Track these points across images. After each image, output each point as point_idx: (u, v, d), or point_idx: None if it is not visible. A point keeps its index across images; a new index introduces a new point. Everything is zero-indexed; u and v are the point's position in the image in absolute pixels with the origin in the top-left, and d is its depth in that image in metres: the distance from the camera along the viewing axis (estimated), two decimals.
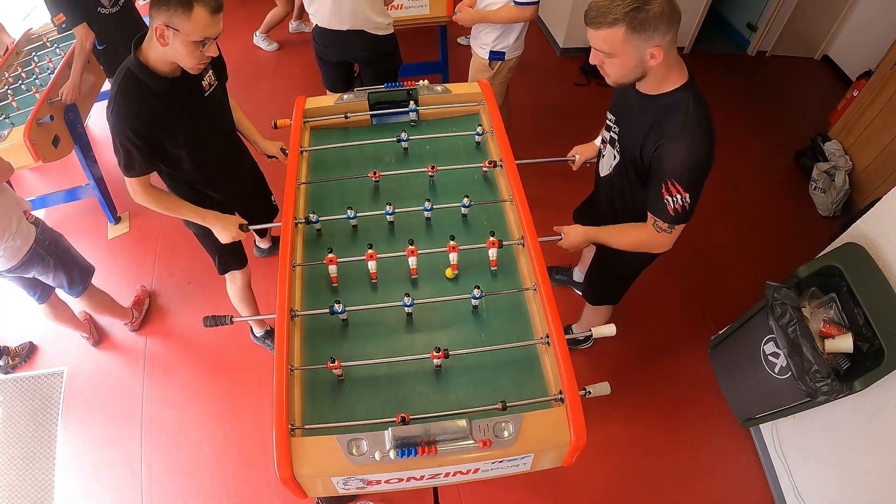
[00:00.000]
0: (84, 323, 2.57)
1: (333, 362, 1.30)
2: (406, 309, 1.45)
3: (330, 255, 1.51)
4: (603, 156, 1.78)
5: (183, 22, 1.40)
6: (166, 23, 1.40)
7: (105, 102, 1.63)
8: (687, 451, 2.28)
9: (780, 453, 2.13)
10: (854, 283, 1.67)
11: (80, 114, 2.78)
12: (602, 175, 1.80)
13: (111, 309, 2.50)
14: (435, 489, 1.93)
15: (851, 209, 3.13)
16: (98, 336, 2.64)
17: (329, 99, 2.00)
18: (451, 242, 1.52)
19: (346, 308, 1.43)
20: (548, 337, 1.36)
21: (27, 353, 2.60)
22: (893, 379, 1.58)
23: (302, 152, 1.85)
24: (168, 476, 2.24)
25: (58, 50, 2.99)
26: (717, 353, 2.26)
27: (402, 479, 1.30)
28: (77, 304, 2.43)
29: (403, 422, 1.22)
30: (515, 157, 1.75)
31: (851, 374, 1.65)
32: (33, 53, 3.03)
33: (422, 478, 1.31)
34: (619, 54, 1.31)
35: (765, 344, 1.87)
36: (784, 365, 1.77)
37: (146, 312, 2.73)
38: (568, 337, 1.36)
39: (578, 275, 2.72)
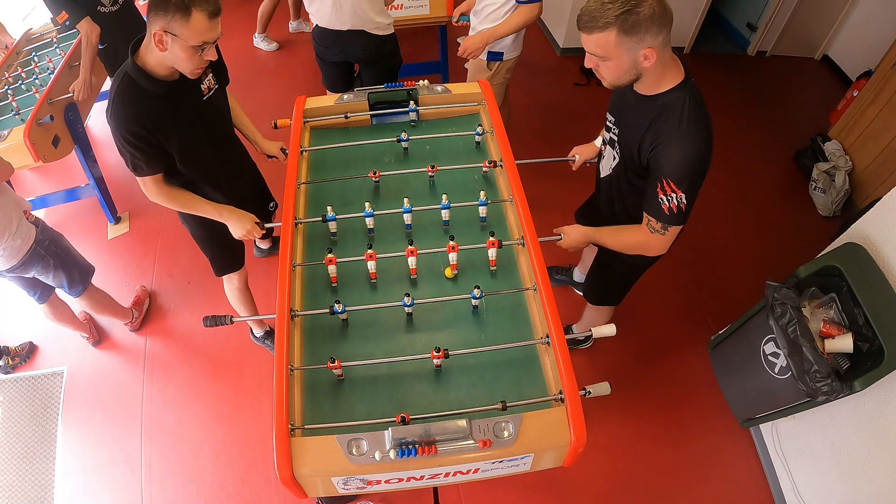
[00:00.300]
0: (84, 323, 2.57)
1: (333, 362, 1.30)
2: (406, 309, 1.45)
3: (329, 256, 1.51)
4: (603, 157, 1.78)
5: (181, 27, 1.39)
6: (164, 28, 1.40)
7: (105, 102, 1.63)
8: (687, 451, 2.28)
9: (780, 453, 2.13)
10: (854, 283, 1.67)
11: (80, 114, 2.78)
12: (602, 176, 1.81)
13: (111, 309, 2.50)
14: (435, 489, 1.93)
15: (851, 209, 3.13)
16: (98, 336, 2.64)
17: (329, 99, 2.00)
18: (451, 243, 1.51)
19: (346, 308, 1.43)
20: (548, 337, 1.36)
21: (27, 353, 2.60)
22: (893, 379, 1.58)
23: (302, 152, 1.85)
24: (168, 476, 2.24)
25: (58, 50, 2.99)
26: (717, 353, 2.26)
27: (402, 479, 1.30)
28: (77, 304, 2.43)
29: (403, 422, 1.22)
30: (515, 157, 1.75)
31: (851, 374, 1.65)
32: (33, 53, 3.03)
33: (422, 478, 1.31)
34: (612, 57, 1.33)
35: (765, 344, 1.87)
36: (784, 365, 1.77)
37: (146, 312, 2.73)
38: (568, 337, 1.36)
39: (578, 275, 2.72)
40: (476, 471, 1.31)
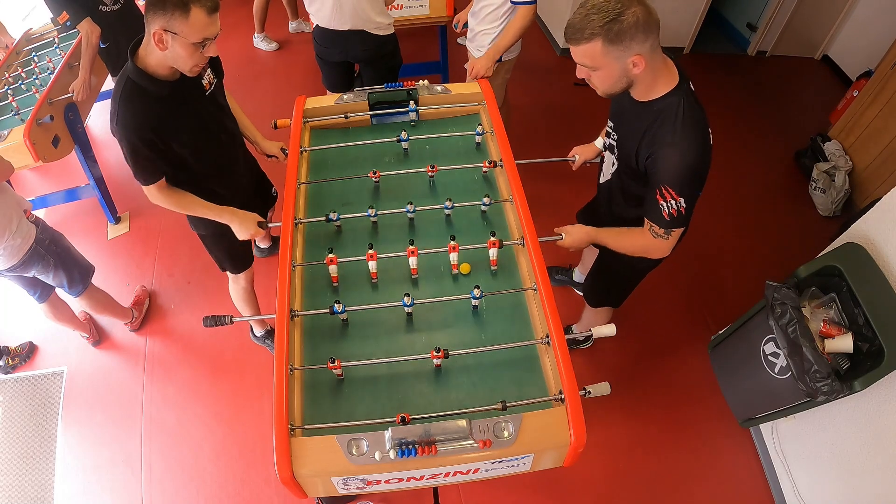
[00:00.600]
0: (84, 323, 2.57)
1: (333, 362, 1.31)
2: (406, 309, 1.45)
3: (330, 256, 1.51)
4: (603, 161, 1.78)
5: (181, 25, 1.39)
6: (164, 27, 1.39)
7: (105, 102, 1.63)
8: (687, 451, 2.28)
9: (780, 453, 2.13)
10: (854, 283, 1.67)
11: (80, 114, 2.78)
12: (602, 181, 1.81)
13: (111, 309, 2.50)
14: (435, 489, 1.93)
15: (851, 209, 3.13)
16: (98, 336, 2.64)
17: (329, 99, 2.00)
18: (452, 243, 1.51)
19: (346, 308, 1.43)
20: (548, 337, 1.36)
21: (27, 353, 2.60)
22: (893, 379, 1.58)
23: (302, 152, 1.85)
24: (168, 476, 2.24)
25: (58, 50, 2.99)
26: (717, 353, 2.25)
27: (402, 479, 1.30)
28: (77, 304, 2.43)
29: (403, 422, 1.22)
30: (515, 157, 1.75)
31: (851, 374, 1.65)
32: (33, 53, 3.03)
33: (422, 478, 1.31)
34: (601, 67, 1.34)
35: (765, 344, 1.87)
36: (784, 365, 1.77)
37: (146, 312, 2.73)
38: (568, 337, 1.36)
39: (578, 275, 2.72)
40: (476, 471, 1.31)
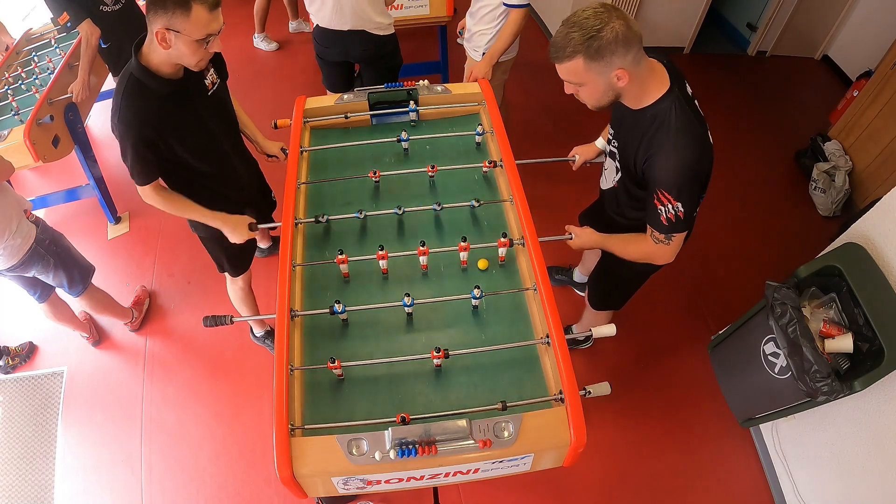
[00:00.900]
0: (84, 323, 2.57)
1: (333, 362, 1.30)
2: (406, 309, 1.45)
3: (341, 256, 1.50)
4: (605, 168, 1.80)
5: (183, 22, 1.39)
6: (166, 26, 1.39)
7: (105, 102, 1.62)
8: (687, 451, 2.28)
9: (780, 453, 2.13)
10: (854, 283, 1.67)
11: (80, 114, 2.78)
12: (605, 188, 1.82)
13: (111, 309, 2.50)
14: (435, 489, 1.93)
15: (851, 209, 3.13)
16: (98, 336, 2.64)
17: (329, 99, 2.00)
18: (463, 243, 1.51)
19: (347, 308, 1.43)
20: (548, 337, 1.36)
21: (27, 353, 2.60)
22: (893, 379, 1.58)
23: (302, 152, 1.85)
24: (168, 476, 2.24)
25: (58, 50, 2.99)
26: (717, 353, 2.25)
27: (402, 479, 1.30)
28: (77, 304, 2.43)
29: (403, 422, 1.22)
30: (515, 157, 1.75)
31: (851, 374, 1.65)
32: (33, 53, 3.03)
33: (422, 478, 1.31)
34: (586, 82, 1.35)
35: (765, 344, 1.86)
36: (784, 365, 1.77)
37: (146, 312, 2.73)
38: (568, 337, 1.36)
39: (578, 275, 2.72)
40: (476, 471, 1.31)
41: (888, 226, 1.71)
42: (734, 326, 2.12)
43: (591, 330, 1.47)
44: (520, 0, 2.25)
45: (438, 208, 1.65)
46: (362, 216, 1.65)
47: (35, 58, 2.98)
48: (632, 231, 1.65)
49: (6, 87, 2.78)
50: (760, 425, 2.23)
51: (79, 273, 2.24)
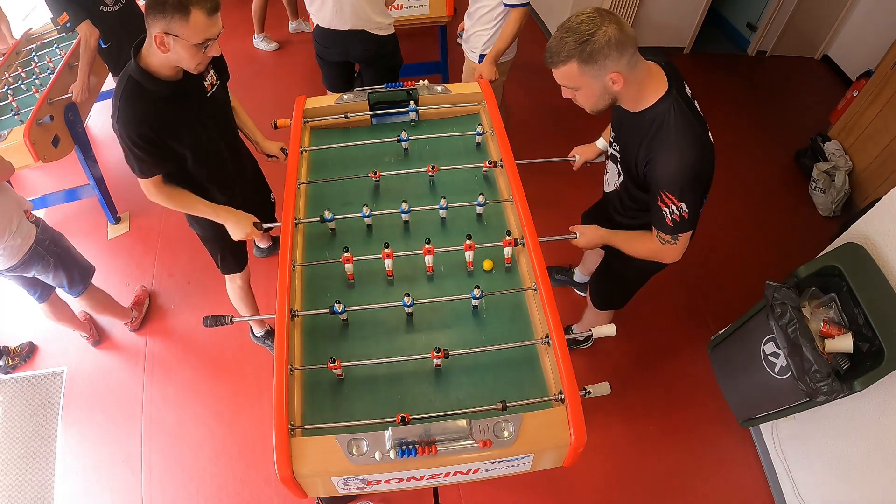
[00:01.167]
0: (84, 323, 2.57)
1: (333, 362, 1.30)
2: (406, 309, 1.45)
3: (346, 255, 1.50)
4: (608, 171, 1.80)
5: (182, 27, 1.39)
6: (165, 30, 1.39)
7: (105, 102, 1.63)
8: (687, 451, 2.28)
9: (780, 453, 2.13)
10: (854, 283, 1.67)
11: (80, 114, 2.78)
12: (608, 190, 1.82)
13: (111, 309, 2.50)
14: (435, 489, 1.93)
15: (851, 209, 3.13)
16: (98, 336, 2.64)
17: (329, 99, 2.00)
18: (468, 242, 1.51)
19: (347, 308, 1.43)
20: (548, 337, 1.36)
21: (27, 353, 2.60)
22: (893, 379, 1.58)
23: (302, 152, 1.85)
24: (168, 476, 2.24)
25: (58, 50, 2.99)
26: (717, 353, 2.25)
27: (402, 479, 1.30)
28: (77, 304, 2.43)
29: (403, 422, 1.22)
30: (515, 157, 1.75)
31: (851, 374, 1.65)
32: (33, 53, 3.03)
33: (422, 478, 1.31)
34: (581, 87, 1.37)
35: (765, 344, 1.86)
36: (784, 365, 1.77)
37: (146, 312, 2.73)
38: (568, 337, 1.36)
39: (579, 275, 2.72)
40: (476, 471, 1.31)
41: (888, 226, 1.71)
42: (734, 326, 2.12)
43: (591, 330, 1.47)
44: (519, 0, 2.26)
45: (444, 207, 1.64)
46: (368, 214, 1.64)
47: (35, 58, 2.98)
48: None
49: (6, 87, 2.78)
50: (760, 425, 2.23)
51: (79, 273, 2.24)
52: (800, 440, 2.04)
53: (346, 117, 1.97)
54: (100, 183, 2.96)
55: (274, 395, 1.26)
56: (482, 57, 2.52)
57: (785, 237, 3.07)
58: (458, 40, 4.26)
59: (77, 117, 2.74)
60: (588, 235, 1.71)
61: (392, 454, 1.17)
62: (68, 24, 2.55)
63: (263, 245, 2.91)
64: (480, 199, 1.65)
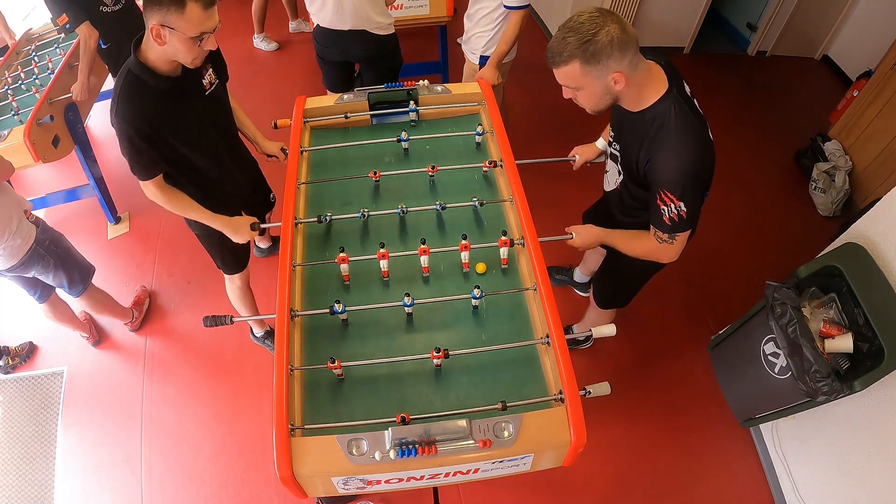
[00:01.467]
0: (84, 323, 2.57)
1: (333, 362, 1.30)
2: (406, 309, 1.45)
3: (342, 255, 1.51)
4: (608, 171, 1.80)
5: (178, 20, 1.39)
6: (161, 22, 1.40)
7: (105, 102, 1.63)
8: (687, 451, 2.28)
9: (780, 453, 2.13)
10: (854, 283, 1.67)
11: (80, 114, 2.78)
12: (609, 190, 1.82)
13: (111, 309, 2.50)
14: (435, 489, 1.93)
15: (851, 209, 3.13)
16: (98, 336, 2.64)
17: (329, 99, 2.00)
18: (464, 242, 1.51)
19: (347, 308, 1.43)
20: (548, 337, 1.36)
21: (27, 353, 2.60)
22: (893, 379, 1.58)
23: (302, 152, 1.85)
24: (168, 476, 2.24)
25: (58, 50, 2.99)
26: (717, 353, 2.25)
27: (402, 479, 1.30)
28: (77, 304, 2.43)
29: (403, 422, 1.22)
30: (515, 157, 1.75)
31: (851, 374, 1.65)
32: (33, 53, 3.03)
33: (422, 478, 1.31)
34: (583, 87, 1.36)
35: (765, 344, 1.86)
36: (784, 365, 1.77)
37: (146, 312, 2.73)
38: (568, 337, 1.36)
39: (579, 275, 2.72)
40: (476, 471, 1.31)
41: (888, 226, 1.71)
42: (734, 326, 2.12)
43: (591, 330, 1.47)
44: (519, 2, 2.25)
45: (441, 208, 1.65)
46: (365, 216, 1.65)
47: (35, 58, 2.98)
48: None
49: (6, 87, 2.78)
50: (760, 425, 2.23)
51: (79, 273, 2.24)
52: (800, 440, 2.04)
53: (346, 117, 1.97)
54: (100, 183, 2.96)
55: (274, 395, 1.26)
56: (482, 58, 2.52)
57: (785, 237, 3.07)
58: (459, 39, 4.28)
59: (77, 117, 2.74)
60: (584, 235, 1.70)
61: (392, 454, 1.17)
62: (68, 26, 2.55)
63: (263, 245, 2.91)
64: (476, 203, 1.65)
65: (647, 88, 1.41)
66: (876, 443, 1.70)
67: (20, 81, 2.80)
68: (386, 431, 1.20)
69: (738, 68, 4.28)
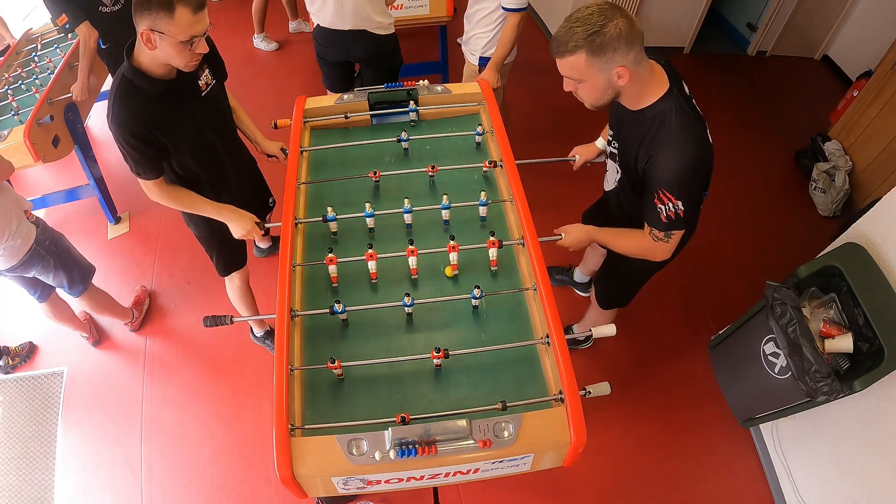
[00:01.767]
0: (84, 323, 2.57)
1: (333, 362, 1.30)
2: (406, 309, 1.45)
3: (330, 255, 1.51)
4: (607, 170, 1.80)
5: (167, 24, 1.39)
6: (151, 27, 1.39)
7: (105, 102, 1.63)
8: (687, 451, 2.28)
9: (780, 453, 2.13)
10: (854, 283, 1.67)
11: (80, 114, 2.78)
12: (608, 189, 1.82)
13: (111, 309, 2.50)
14: (435, 489, 1.93)
15: (851, 209, 3.13)
16: (98, 336, 2.64)
17: (329, 99, 2.00)
18: (451, 242, 1.51)
19: (347, 308, 1.43)
20: (548, 337, 1.36)
21: (27, 353, 2.60)
22: (893, 379, 1.58)
23: (302, 152, 1.85)
24: (168, 476, 2.24)
25: (58, 50, 2.99)
26: (717, 353, 2.25)
27: (402, 479, 1.30)
28: (77, 304, 2.43)
29: (403, 422, 1.22)
30: (515, 157, 1.75)
31: (851, 374, 1.65)
32: (33, 53, 3.03)
33: (422, 478, 1.31)
34: (586, 79, 1.35)
35: (765, 344, 1.86)
36: (784, 365, 1.77)
37: (146, 312, 2.73)
38: (568, 337, 1.36)
39: (579, 275, 2.72)
40: (476, 471, 1.31)
41: (888, 226, 1.71)
42: (734, 326, 2.12)
43: (591, 330, 1.47)
44: (517, 4, 2.24)
45: (447, 205, 1.63)
46: (371, 213, 1.64)
47: (35, 58, 2.98)
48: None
49: (6, 87, 2.78)
50: (760, 425, 2.23)
51: (79, 273, 2.24)
52: (800, 440, 2.04)
53: (346, 117, 1.97)
54: (100, 183, 2.96)
55: (274, 395, 1.26)
56: (482, 59, 2.52)
57: (785, 237, 3.07)
58: (459, 39, 4.28)
59: (77, 117, 2.74)
60: (573, 235, 1.69)
61: (392, 454, 1.17)
62: (67, 26, 2.55)
63: (263, 245, 2.91)
64: (482, 196, 1.65)
65: (648, 86, 1.40)
66: (876, 443, 1.70)
67: (20, 81, 2.80)
68: (386, 431, 1.20)
69: (738, 68, 4.28)
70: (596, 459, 2.22)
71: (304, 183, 1.79)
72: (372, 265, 1.52)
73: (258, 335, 2.56)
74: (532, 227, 1.54)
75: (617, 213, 1.81)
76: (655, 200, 1.43)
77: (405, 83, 1.97)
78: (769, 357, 1.85)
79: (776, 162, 3.52)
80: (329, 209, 1.64)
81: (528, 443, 1.22)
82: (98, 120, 3.70)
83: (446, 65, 3.71)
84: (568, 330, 2.47)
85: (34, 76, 2.83)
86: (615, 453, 2.26)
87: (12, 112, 2.59)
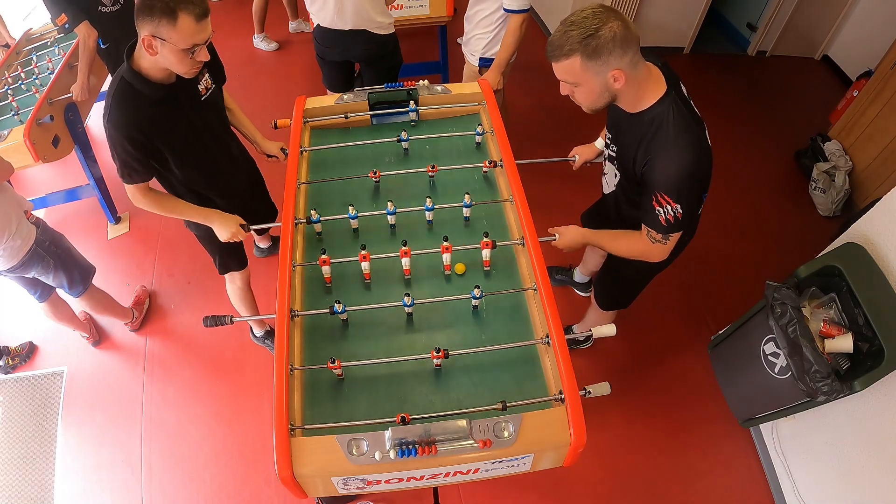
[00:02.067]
0: (84, 323, 2.57)
1: (333, 362, 1.30)
2: (406, 309, 1.45)
3: (323, 256, 1.50)
4: (605, 173, 1.79)
5: (169, 31, 1.38)
6: (153, 33, 1.38)
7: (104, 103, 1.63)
8: (686, 451, 2.28)
9: (780, 453, 2.13)
10: (854, 283, 1.67)
11: (80, 114, 2.78)
12: (607, 192, 1.81)
13: (111, 309, 2.50)
14: (435, 489, 1.93)
15: (851, 209, 3.13)
16: (98, 336, 2.64)
17: (329, 99, 2.00)
18: (445, 244, 1.51)
19: (347, 308, 1.43)
20: (548, 337, 1.36)
21: (27, 353, 2.60)
22: (893, 379, 1.58)
23: (302, 152, 1.85)
24: (168, 476, 2.24)
25: (58, 50, 2.99)
26: (717, 353, 2.26)
27: (402, 479, 1.30)
28: (77, 304, 2.43)
29: (403, 422, 1.22)
30: (515, 157, 1.75)
31: (851, 374, 1.65)
32: (33, 53, 3.03)
33: (422, 478, 1.31)
34: (582, 82, 1.35)
35: (765, 344, 1.87)
36: (784, 365, 1.77)
37: (146, 312, 2.73)
38: (568, 337, 1.36)
39: (579, 275, 2.72)
40: (476, 471, 1.31)
41: (888, 226, 1.71)
42: (734, 326, 2.12)
43: (591, 330, 1.47)
44: (519, 6, 2.24)
45: (431, 208, 1.63)
46: (355, 216, 1.64)
47: (35, 58, 2.98)
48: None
49: (6, 87, 2.78)
50: (760, 425, 2.23)
51: (79, 274, 2.24)
52: (800, 440, 2.04)
53: (346, 117, 1.97)
54: (100, 183, 2.96)
55: (274, 395, 1.26)
56: (482, 60, 2.52)
57: (785, 237, 3.07)
58: (459, 40, 4.27)
59: (77, 117, 2.74)
60: (568, 236, 1.67)
61: (392, 454, 1.17)
62: (67, 26, 2.56)
63: (263, 245, 2.91)
64: (467, 199, 1.65)
65: (645, 89, 1.40)
66: (876, 443, 1.70)
67: (20, 81, 2.80)
68: (386, 431, 1.20)
69: (738, 68, 4.28)
70: (596, 459, 2.22)
71: (304, 183, 1.79)
72: (365, 266, 1.52)
73: (258, 335, 2.56)
74: (532, 227, 1.54)
75: (616, 215, 1.80)
76: (654, 203, 1.43)
77: (405, 83, 1.97)
78: (769, 357, 1.85)
79: (776, 162, 3.52)
80: (312, 212, 1.63)
81: (528, 443, 1.22)
82: (98, 120, 3.67)
83: (446, 65, 3.71)
84: (568, 330, 2.47)
85: (34, 76, 2.83)
86: (615, 453, 2.26)
87: (12, 112, 2.59)
